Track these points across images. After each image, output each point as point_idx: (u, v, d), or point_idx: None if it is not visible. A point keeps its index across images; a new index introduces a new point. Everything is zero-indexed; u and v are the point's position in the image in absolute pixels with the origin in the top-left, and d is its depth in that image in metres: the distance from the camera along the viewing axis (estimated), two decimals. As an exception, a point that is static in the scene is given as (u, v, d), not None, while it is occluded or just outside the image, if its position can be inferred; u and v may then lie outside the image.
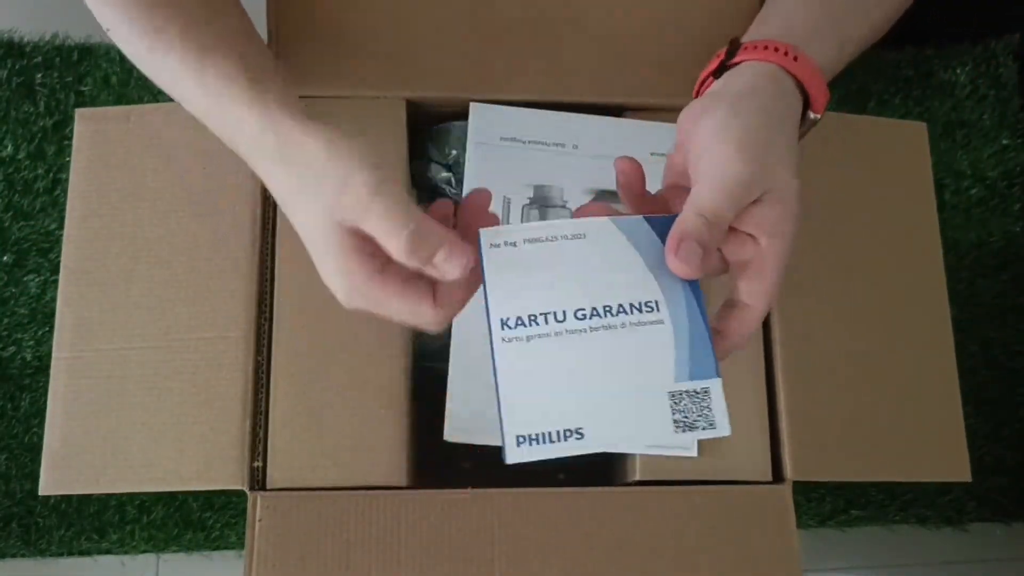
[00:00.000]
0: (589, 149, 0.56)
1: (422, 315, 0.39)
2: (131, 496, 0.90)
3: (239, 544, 0.91)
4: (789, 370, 0.54)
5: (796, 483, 0.52)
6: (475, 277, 0.39)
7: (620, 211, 0.40)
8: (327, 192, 0.38)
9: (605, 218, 0.39)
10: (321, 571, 0.48)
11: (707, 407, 0.37)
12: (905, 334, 0.56)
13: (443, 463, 0.63)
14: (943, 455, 0.54)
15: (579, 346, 0.37)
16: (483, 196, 0.41)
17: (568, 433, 0.37)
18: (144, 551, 0.91)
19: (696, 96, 0.46)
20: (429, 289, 0.39)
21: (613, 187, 0.54)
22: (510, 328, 0.37)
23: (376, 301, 0.38)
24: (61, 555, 0.90)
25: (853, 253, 0.57)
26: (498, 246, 0.38)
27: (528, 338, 0.37)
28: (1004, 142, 1.06)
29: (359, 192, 0.37)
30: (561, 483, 0.60)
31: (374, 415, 0.51)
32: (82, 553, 0.90)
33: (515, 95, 0.56)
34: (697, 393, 0.37)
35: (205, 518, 0.91)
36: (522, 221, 0.54)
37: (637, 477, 0.52)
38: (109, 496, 0.89)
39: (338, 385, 0.51)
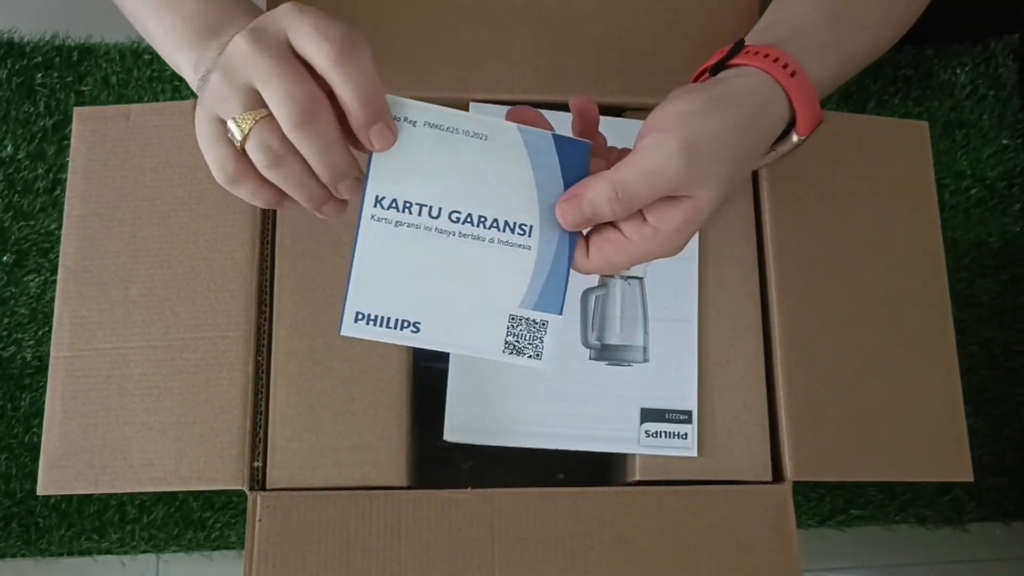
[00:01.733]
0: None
1: (321, 107, 0.35)
2: (131, 496, 0.90)
3: (239, 544, 0.91)
4: (789, 370, 0.54)
5: (796, 483, 0.52)
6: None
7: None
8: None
9: (512, 124, 0.38)
10: (321, 571, 0.48)
11: (540, 339, 0.38)
12: (906, 334, 0.56)
13: (443, 463, 0.63)
14: (944, 455, 0.54)
15: (443, 247, 0.37)
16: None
17: (405, 324, 0.37)
18: (144, 551, 0.91)
19: None
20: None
21: None
22: (383, 207, 0.37)
23: (332, 131, 0.35)
24: (61, 555, 0.90)
25: (854, 253, 0.57)
26: (398, 120, 0.37)
27: (396, 223, 0.37)
28: (1004, 142, 1.06)
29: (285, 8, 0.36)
30: (561, 483, 0.60)
31: (374, 415, 0.51)
32: (82, 553, 0.90)
33: (515, 95, 0.56)
34: (535, 323, 0.38)
35: (205, 518, 0.91)
36: None
37: (637, 477, 0.52)
38: (109, 496, 0.89)
39: (338, 385, 0.51)
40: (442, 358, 0.54)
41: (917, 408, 0.55)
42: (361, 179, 0.38)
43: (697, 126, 0.38)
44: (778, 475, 0.53)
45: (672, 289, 0.54)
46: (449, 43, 0.56)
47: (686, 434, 0.52)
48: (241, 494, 0.55)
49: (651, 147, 0.37)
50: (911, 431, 0.54)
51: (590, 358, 0.53)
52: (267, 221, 0.53)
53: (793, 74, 0.41)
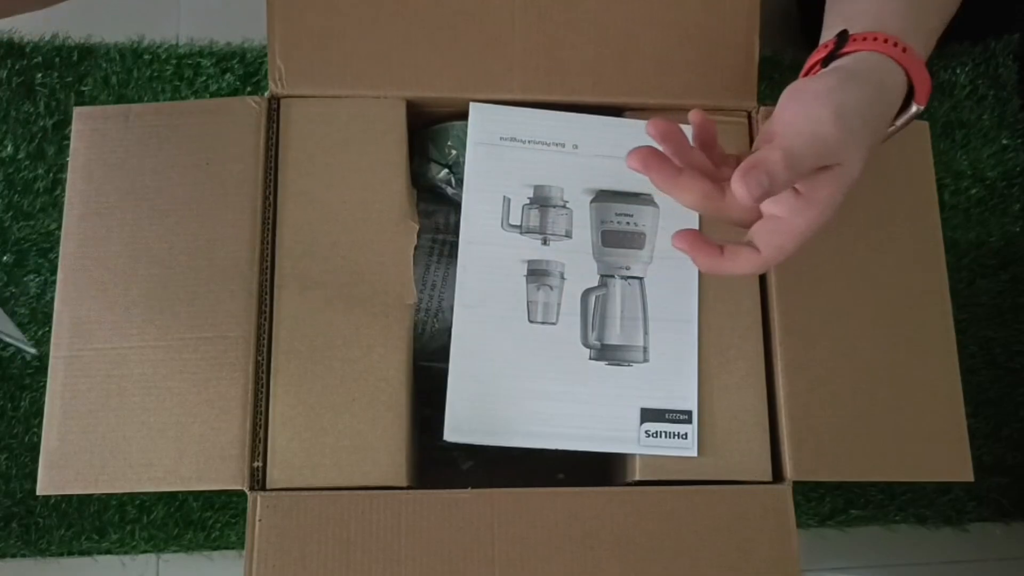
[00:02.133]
0: (589, 149, 0.56)
1: None
2: (131, 496, 0.90)
3: (239, 544, 0.91)
4: (789, 370, 0.54)
5: (796, 483, 0.52)
6: None
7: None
8: None
9: None
10: (321, 571, 0.48)
11: None
12: (906, 334, 0.56)
13: (443, 463, 0.63)
14: (944, 455, 0.54)
15: None
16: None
17: None
18: (144, 551, 0.91)
19: None
20: None
21: (614, 187, 0.55)
22: None
23: None
24: (61, 555, 0.90)
25: (854, 252, 0.57)
26: None
27: None
28: (1004, 142, 1.06)
29: None
30: (561, 483, 0.60)
31: (374, 415, 0.51)
32: (82, 553, 0.90)
33: (515, 95, 0.56)
34: None
35: (205, 518, 0.91)
36: (522, 222, 0.54)
37: (637, 477, 0.52)
38: (109, 496, 0.89)
39: (338, 385, 0.51)
40: (442, 358, 0.54)
41: (917, 408, 0.55)
42: None
43: (840, 98, 0.41)
44: (778, 475, 0.53)
45: (672, 289, 0.54)
46: (449, 43, 0.56)
47: (686, 434, 0.52)
48: (241, 494, 0.55)
49: (803, 118, 0.40)
50: (911, 431, 0.54)
51: (590, 358, 0.53)
52: (267, 221, 0.53)
53: (904, 50, 0.44)
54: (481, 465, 0.65)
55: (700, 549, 0.50)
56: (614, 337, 0.54)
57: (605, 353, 0.53)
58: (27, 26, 1.02)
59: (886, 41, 0.44)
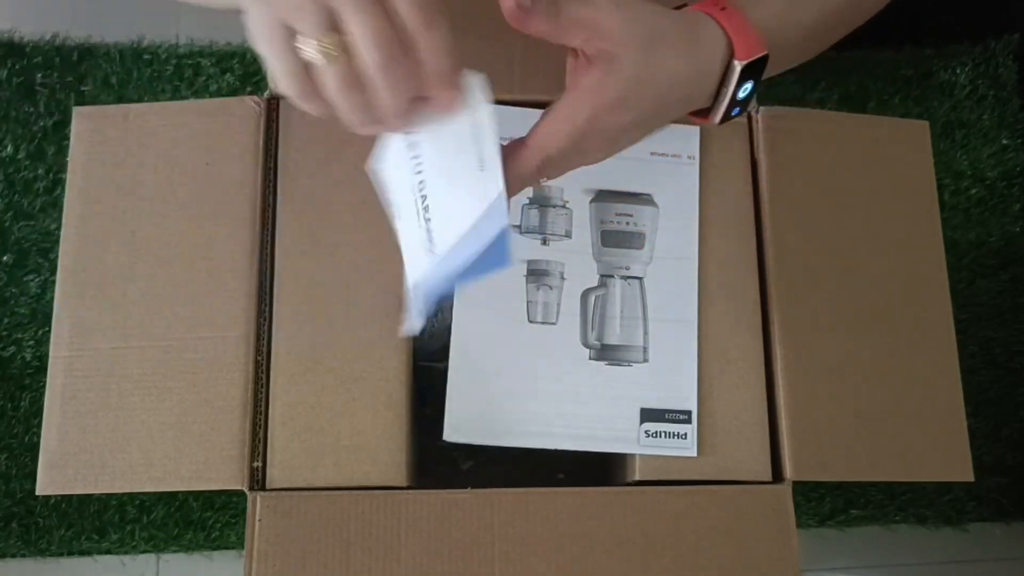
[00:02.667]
0: None
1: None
2: (131, 496, 0.90)
3: (239, 544, 0.91)
4: (789, 370, 0.54)
5: (796, 483, 0.52)
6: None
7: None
8: None
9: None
10: (321, 571, 0.48)
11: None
12: (906, 334, 0.56)
13: (443, 463, 0.63)
14: (944, 455, 0.54)
15: None
16: None
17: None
18: (144, 551, 0.91)
19: None
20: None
21: (613, 187, 0.55)
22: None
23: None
24: (61, 555, 0.90)
25: (855, 252, 0.57)
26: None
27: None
28: (1003, 142, 1.06)
29: None
30: (561, 483, 0.60)
31: (374, 415, 0.51)
32: (82, 553, 0.90)
33: (515, 95, 0.56)
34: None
35: (205, 518, 0.91)
36: (521, 221, 0.54)
37: (637, 477, 0.52)
38: (109, 496, 0.89)
39: (338, 385, 0.51)
40: (442, 358, 0.54)
41: (917, 408, 0.55)
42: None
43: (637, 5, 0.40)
44: (778, 475, 0.53)
45: (672, 289, 0.54)
46: (449, 43, 0.56)
47: (686, 434, 0.52)
48: (241, 494, 0.55)
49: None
50: (911, 431, 0.54)
51: (590, 358, 0.53)
52: (267, 221, 0.53)
53: (723, 9, 0.42)
54: (481, 465, 0.65)
55: (700, 549, 0.50)
56: (614, 337, 0.54)
57: (605, 353, 0.53)
58: (27, 26, 1.02)
59: (704, 4, 0.43)
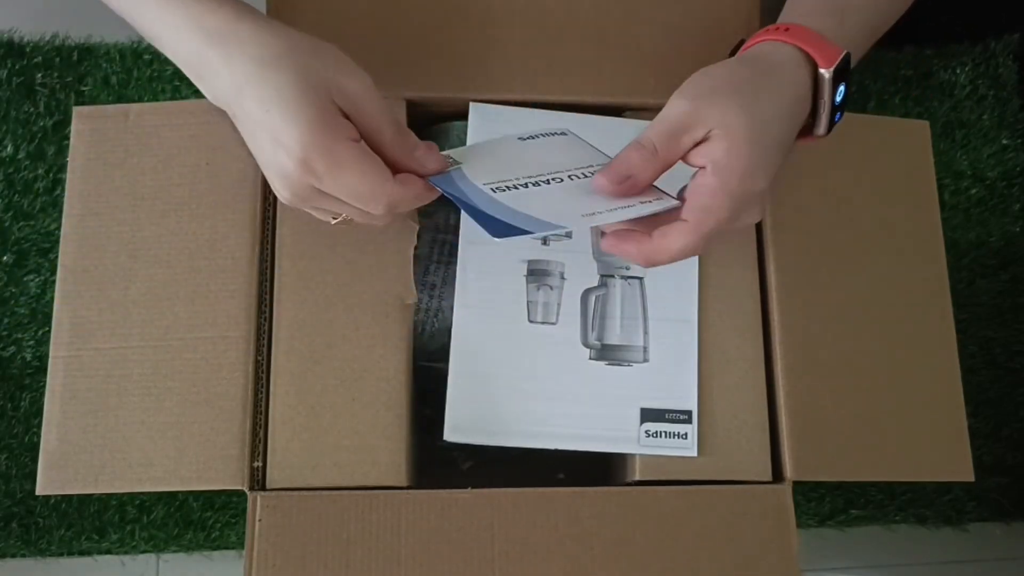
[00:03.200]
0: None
1: (380, 193, 0.41)
2: (131, 496, 0.90)
3: (239, 544, 0.91)
4: (789, 370, 0.54)
5: (796, 483, 0.52)
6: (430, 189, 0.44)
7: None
8: (301, 56, 0.40)
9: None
10: (321, 571, 0.48)
11: None
12: (907, 333, 0.56)
13: (443, 463, 0.63)
14: (945, 454, 0.54)
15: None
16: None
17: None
18: (144, 551, 0.91)
19: None
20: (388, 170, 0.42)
21: None
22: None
23: (337, 168, 0.40)
24: (61, 555, 0.90)
25: (855, 252, 0.57)
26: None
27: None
28: (1004, 142, 1.06)
29: (338, 56, 0.41)
30: (561, 483, 0.60)
31: (374, 415, 0.51)
32: (82, 553, 0.90)
33: (515, 95, 0.56)
34: None
35: (205, 518, 0.91)
36: None
37: (637, 477, 0.52)
38: (109, 496, 0.89)
39: (338, 385, 0.51)
40: (442, 358, 0.54)
41: (917, 408, 0.55)
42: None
43: (691, 82, 0.44)
44: (778, 475, 0.53)
45: (672, 289, 0.54)
46: (449, 43, 0.56)
47: (686, 434, 0.52)
48: (241, 494, 0.55)
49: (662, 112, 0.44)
50: (911, 431, 0.54)
51: (590, 358, 0.53)
52: (267, 221, 0.53)
53: (786, 30, 0.45)
54: (481, 465, 0.65)
55: (700, 549, 0.50)
56: (614, 337, 0.54)
57: (605, 353, 0.53)
58: (27, 26, 1.02)
59: (767, 31, 0.46)
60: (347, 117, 0.41)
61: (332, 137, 0.39)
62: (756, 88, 0.44)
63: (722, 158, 0.42)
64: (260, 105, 0.40)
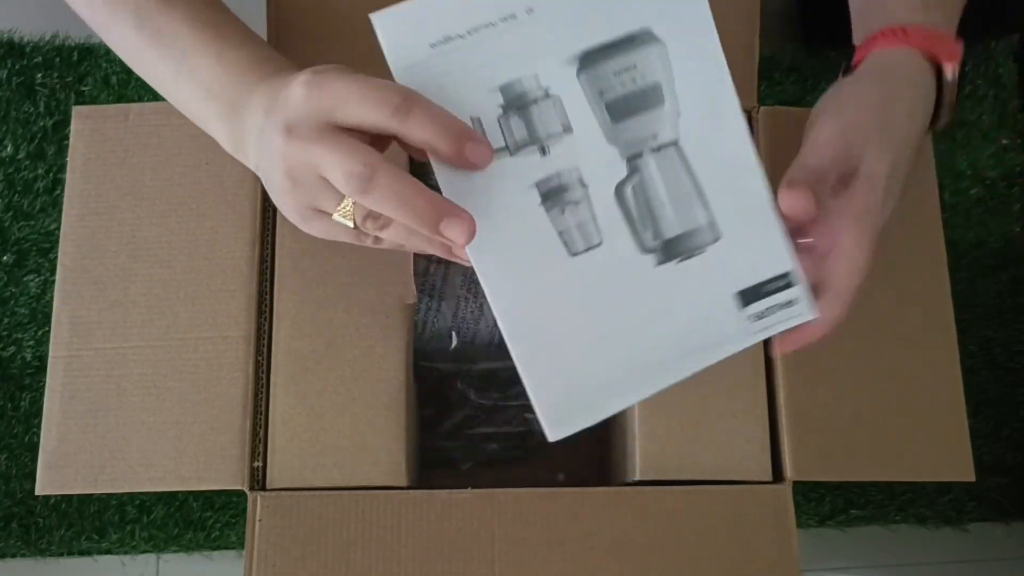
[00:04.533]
0: (548, 5, 0.41)
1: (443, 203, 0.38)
2: (131, 496, 0.90)
3: (239, 544, 0.91)
4: (789, 370, 0.54)
5: (796, 483, 0.52)
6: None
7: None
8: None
9: None
10: (321, 571, 0.48)
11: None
12: (907, 333, 0.56)
13: (443, 463, 0.63)
14: (945, 454, 0.54)
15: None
16: None
17: None
18: (144, 551, 0.91)
19: None
20: None
21: (598, 40, 0.42)
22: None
23: (396, 183, 0.37)
24: (61, 555, 0.90)
25: (853, 253, 0.57)
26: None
27: None
28: (1003, 142, 1.06)
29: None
30: (561, 483, 0.60)
31: (374, 415, 0.51)
32: (82, 553, 0.90)
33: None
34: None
35: (205, 518, 0.91)
36: (505, 139, 0.41)
37: (637, 477, 0.52)
38: (109, 496, 0.89)
39: (338, 385, 0.51)
40: (442, 358, 0.54)
41: (918, 408, 0.55)
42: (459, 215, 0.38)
43: (835, 110, 0.44)
44: (778, 475, 0.53)
45: (718, 140, 0.43)
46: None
47: (794, 299, 0.43)
48: (241, 494, 0.55)
49: (814, 135, 0.43)
50: (911, 431, 0.54)
51: (657, 264, 0.42)
52: (267, 221, 0.53)
53: (904, 31, 0.44)
54: (481, 465, 0.65)
55: (700, 549, 0.50)
56: (672, 227, 0.43)
57: (670, 250, 0.42)
58: (27, 26, 1.02)
59: (883, 35, 0.45)
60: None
61: (377, 157, 0.38)
62: (891, 115, 0.43)
63: (863, 212, 0.42)
64: (284, 151, 0.40)
